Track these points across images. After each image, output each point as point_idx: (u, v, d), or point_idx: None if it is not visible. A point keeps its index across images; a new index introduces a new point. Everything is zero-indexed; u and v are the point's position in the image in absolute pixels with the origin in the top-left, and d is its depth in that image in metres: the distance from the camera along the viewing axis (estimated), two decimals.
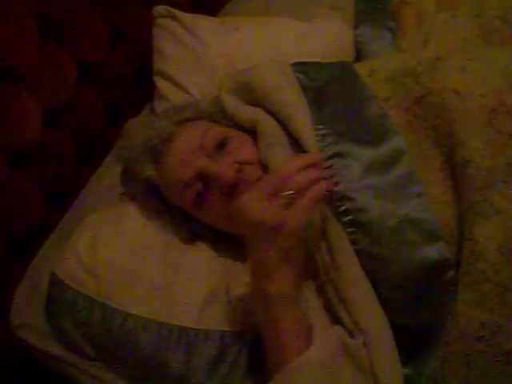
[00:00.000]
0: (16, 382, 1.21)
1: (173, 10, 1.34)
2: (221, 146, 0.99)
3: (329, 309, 0.88)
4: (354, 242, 0.85)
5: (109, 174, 1.26)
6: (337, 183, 0.87)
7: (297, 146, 0.94)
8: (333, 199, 0.87)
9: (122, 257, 1.03)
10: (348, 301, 0.84)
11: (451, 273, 0.83)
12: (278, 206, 0.77)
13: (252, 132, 1.02)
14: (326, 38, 1.29)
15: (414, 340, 0.86)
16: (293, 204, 0.78)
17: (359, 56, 1.30)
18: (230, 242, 1.06)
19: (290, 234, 0.78)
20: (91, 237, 1.06)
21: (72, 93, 1.24)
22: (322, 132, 0.92)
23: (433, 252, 0.82)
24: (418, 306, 0.85)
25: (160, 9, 1.34)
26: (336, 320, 0.86)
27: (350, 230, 0.86)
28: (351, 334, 0.83)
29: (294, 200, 0.78)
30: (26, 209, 1.18)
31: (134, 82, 1.46)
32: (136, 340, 0.97)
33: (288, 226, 0.77)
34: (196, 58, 1.30)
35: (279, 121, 0.98)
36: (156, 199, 1.08)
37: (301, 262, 0.82)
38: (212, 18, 1.41)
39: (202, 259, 1.04)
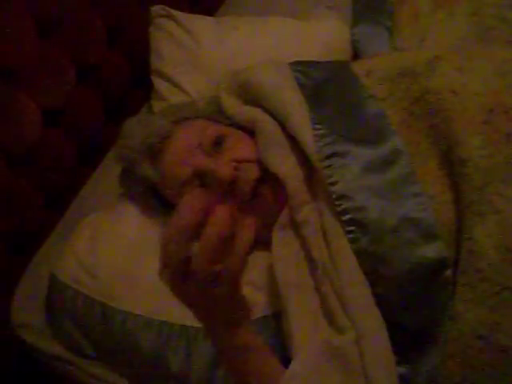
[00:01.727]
0: (16, 381, 1.22)
1: (170, 9, 1.34)
2: (218, 144, 1.00)
3: (324, 305, 0.88)
4: (352, 241, 0.85)
5: (108, 174, 1.27)
6: (335, 182, 0.87)
7: (295, 145, 0.95)
8: (332, 198, 0.87)
9: (121, 256, 1.04)
10: (343, 297, 0.84)
11: (449, 272, 0.83)
12: (195, 288, 0.63)
13: (250, 131, 1.02)
14: (323, 37, 1.29)
15: (411, 339, 0.86)
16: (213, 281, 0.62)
17: (356, 55, 1.30)
18: None
19: (220, 308, 0.68)
20: (90, 237, 1.07)
21: (70, 93, 1.24)
22: (320, 132, 0.92)
23: (431, 251, 0.82)
24: (416, 305, 0.85)
25: (157, 8, 1.35)
26: (330, 315, 0.86)
27: (348, 229, 0.86)
28: (342, 331, 0.83)
29: (211, 280, 0.62)
30: (26, 209, 1.18)
31: (132, 81, 1.45)
32: (136, 339, 0.98)
33: (214, 304, 0.66)
34: (193, 58, 1.30)
35: (277, 120, 0.98)
36: (155, 198, 1.08)
37: (250, 314, 0.75)
38: (209, 17, 1.41)
39: None
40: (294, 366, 0.80)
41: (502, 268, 0.79)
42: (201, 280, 0.61)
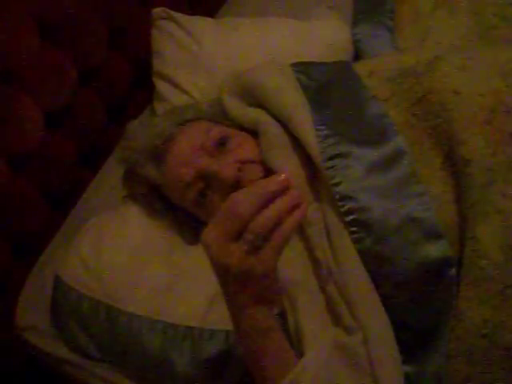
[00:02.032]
0: (22, 382, 1.22)
1: (171, 11, 1.35)
2: (221, 145, 1.00)
3: (330, 307, 0.88)
4: (356, 241, 0.86)
5: (111, 175, 1.27)
6: (339, 183, 0.88)
7: (298, 147, 0.95)
8: (335, 199, 0.88)
9: (125, 258, 1.04)
10: (349, 298, 0.84)
11: (453, 271, 0.83)
12: (243, 251, 0.67)
13: (253, 132, 1.02)
14: (324, 37, 1.29)
15: (416, 338, 0.87)
16: (259, 248, 0.67)
17: (358, 55, 1.30)
18: None
19: (258, 279, 0.69)
20: (94, 239, 1.07)
21: (72, 95, 1.25)
22: (323, 133, 0.92)
23: (435, 250, 0.83)
24: (421, 305, 0.85)
25: (158, 11, 1.35)
26: (336, 317, 0.87)
27: (352, 229, 0.86)
28: (349, 331, 0.84)
29: (259, 246, 0.67)
30: (29, 211, 1.19)
31: (134, 83, 1.46)
32: (141, 340, 0.98)
33: (256, 272, 0.68)
34: (194, 59, 1.30)
35: (280, 122, 0.99)
36: (158, 200, 1.09)
37: (276, 296, 0.78)
38: (210, 19, 1.42)
39: (205, 259, 1.04)
40: (306, 358, 0.81)
41: (505, 267, 0.80)
42: (251, 240, 0.66)
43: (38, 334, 1.09)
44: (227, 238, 0.67)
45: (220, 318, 0.97)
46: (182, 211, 1.07)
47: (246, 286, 0.70)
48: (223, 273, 0.70)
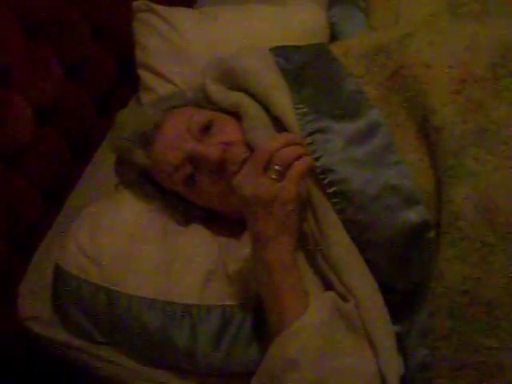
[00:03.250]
0: (25, 372, 1.25)
1: (151, 4, 1.37)
2: (206, 128, 1.04)
3: (320, 278, 0.94)
4: (339, 212, 0.90)
5: (102, 166, 1.30)
6: (319, 157, 0.92)
7: (279, 126, 0.99)
8: (316, 173, 0.92)
9: (121, 242, 1.07)
10: (337, 267, 0.89)
11: (432, 233, 0.88)
12: (270, 180, 0.84)
13: (236, 115, 1.06)
14: (300, 21, 1.33)
15: (401, 299, 0.92)
16: (283, 177, 0.84)
17: (333, 36, 1.34)
18: (222, 221, 1.12)
19: (284, 204, 0.84)
20: (90, 226, 1.10)
21: (59, 90, 1.27)
22: (302, 111, 0.96)
23: (413, 215, 0.87)
24: (404, 267, 0.90)
25: (139, 4, 1.38)
26: (327, 286, 0.92)
27: (334, 200, 0.90)
28: (343, 298, 0.89)
29: (282, 173, 0.84)
30: (24, 206, 1.21)
31: (119, 75, 1.49)
32: (142, 320, 1.01)
33: (281, 197, 0.83)
34: (176, 49, 1.33)
35: (261, 103, 1.03)
36: (149, 185, 1.12)
37: (296, 232, 0.88)
38: (189, 9, 1.45)
39: (198, 239, 1.08)
40: (309, 315, 0.86)
41: (480, 226, 0.84)
42: (276, 169, 0.84)
43: (40, 323, 1.11)
44: (257, 173, 0.84)
45: (216, 294, 1.01)
46: (173, 194, 1.10)
47: (272, 214, 0.84)
48: (254, 203, 0.85)
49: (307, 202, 0.94)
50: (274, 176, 0.84)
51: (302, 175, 0.86)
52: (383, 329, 0.87)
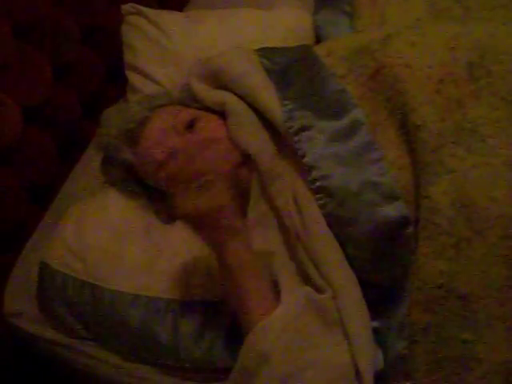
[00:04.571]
0: (11, 367, 1.26)
1: (140, 7, 1.39)
2: (191, 126, 1.05)
3: (301, 271, 0.94)
4: (321, 207, 0.92)
5: (89, 165, 1.31)
6: (305, 154, 0.94)
7: (264, 124, 1.01)
8: (304, 169, 0.94)
9: (106, 239, 1.08)
10: (317, 259, 0.91)
11: (411, 229, 0.90)
12: (197, 193, 0.86)
13: (221, 114, 1.07)
14: (286, 24, 1.34)
15: (381, 294, 0.93)
16: (211, 184, 0.87)
17: (319, 40, 1.34)
18: None
19: (220, 210, 0.86)
20: (77, 223, 1.11)
21: (48, 91, 1.29)
22: (288, 107, 0.98)
23: (392, 211, 0.89)
24: (383, 262, 0.92)
25: (128, 7, 1.39)
26: (307, 280, 0.93)
27: (317, 196, 0.92)
28: (320, 290, 0.90)
29: (208, 182, 0.87)
30: (11, 205, 1.22)
31: (107, 77, 1.50)
32: (125, 316, 1.02)
33: (211, 207, 0.85)
34: (164, 51, 1.35)
35: (247, 102, 1.04)
36: (135, 183, 1.13)
37: (245, 228, 0.90)
38: (178, 12, 1.46)
39: (181, 236, 1.08)
40: (278, 310, 0.87)
41: (457, 221, 0.86)
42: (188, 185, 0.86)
43: (26, 320, 1.12)
44: (188, 191, 0.86)
45: (198, 290, 1.02)
46: (158, 192, 1.11)
47: (213, 224, 0.86)
48: (192, 222, 0.88)
49: (291, 196, 0.96)
50: (201, 188, 0.86)
51: (223, 176, 0.89)
52: (359, 320, 0.88)
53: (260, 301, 0.88)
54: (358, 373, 0.85)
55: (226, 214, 0.86)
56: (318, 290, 0.90)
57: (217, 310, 1.01)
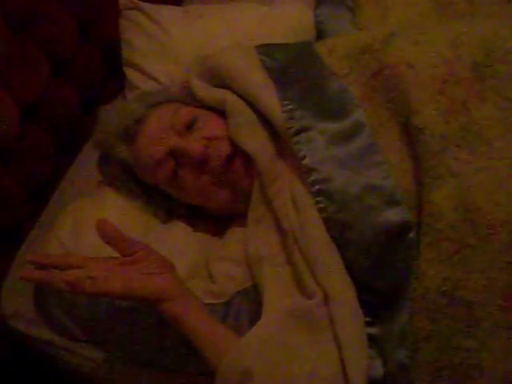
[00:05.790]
0: (8, 368, 1.24)
1: (138, 1, 1.37)
2: (190, 124, 1.04)
3: (295, 274, 0.92)
4: (321, 211, 0.90)
5: (86, 163, 1.30)
6: (304, 156, 0.92)
7: (264, 123, 0.99)
8: (303, 171, 0.92)
9: None
10: (314, 263, 0.88)
11: (412, 234, 0.87)
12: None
13: (221, 112, 1.05)
14: (287, 20, 1.32)
15: (381, 300, 0.91)
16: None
17: (320, 36, 1.32)
18: (205, 218, 1.12)
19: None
20: (73, 222, 1.10)
21: (45, 87, 1.27)
22: (288, 108, 0.96)
23: (394, 215, 0.87)
24: (384, 267, 0.90)
25: (125, 1, 1.37)
26: (301, 286, 0.91)
27: (317, 199, 0.90)
28: (310, 296, 0.88)
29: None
30: (9, 203, 1.21)
31: (105, 73, 1.49)
32: (122, 318, 1.00)
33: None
34: (162, 47, 1.33)
35: (247, 101, 1.02)
36: (132, 182, 1.11)
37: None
38: (176, 7, 1.44)
39: (180, 237, 1.08)
40: (253, 330, 0.86)
41: (461, 227, 0.84)
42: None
43: (23, 321, 1.11)
44: (114, 266, 0.89)
45: (197, 292, 0.99)
46: (156, 191, 1.10)
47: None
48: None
49: (289, 198, 0.94)
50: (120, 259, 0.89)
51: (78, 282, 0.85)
52: (353, 327, 0.86)
53: (209, 346, 0.86)
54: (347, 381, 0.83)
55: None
56: (308, 295, 0.88)
57: (216, 312, 0.98)
